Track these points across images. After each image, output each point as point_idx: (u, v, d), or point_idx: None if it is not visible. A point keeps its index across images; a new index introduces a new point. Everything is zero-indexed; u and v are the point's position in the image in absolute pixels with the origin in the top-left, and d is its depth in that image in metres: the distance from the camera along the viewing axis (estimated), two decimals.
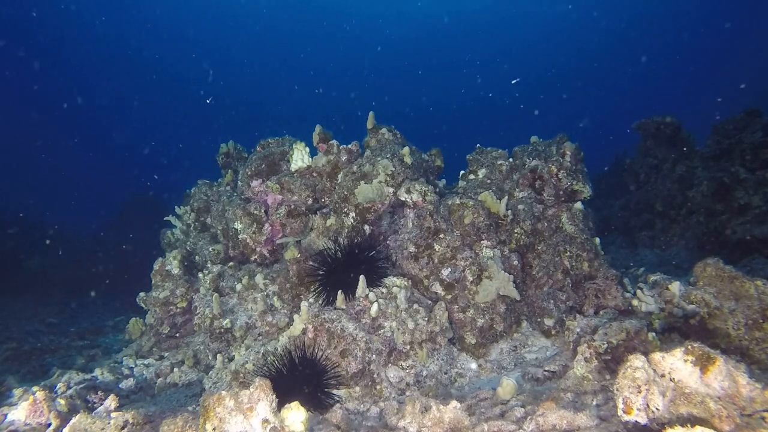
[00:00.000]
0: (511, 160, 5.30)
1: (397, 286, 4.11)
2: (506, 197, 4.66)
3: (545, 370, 3.67)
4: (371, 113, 5.51)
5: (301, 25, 48.59)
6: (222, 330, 4.81)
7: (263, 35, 49.26)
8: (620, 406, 2.11)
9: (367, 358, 3.71)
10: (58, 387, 4.40)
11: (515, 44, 50.10)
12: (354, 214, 4.74)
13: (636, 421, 2.06)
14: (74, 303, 10.58)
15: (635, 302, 4.14)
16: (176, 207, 6.76)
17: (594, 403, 2.71)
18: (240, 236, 5.35)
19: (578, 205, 4.81)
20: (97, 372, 4.95)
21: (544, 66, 50.17)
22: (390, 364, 3.85)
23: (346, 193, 4.80)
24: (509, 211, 4.62)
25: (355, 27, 49.21)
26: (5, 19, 36.99)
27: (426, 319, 3.99)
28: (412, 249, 4.40)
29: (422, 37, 49.22)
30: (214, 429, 2.07)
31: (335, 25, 48.62)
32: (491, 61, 51.41)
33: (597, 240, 4.73)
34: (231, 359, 4.57)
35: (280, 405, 2.20)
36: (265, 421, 2.10)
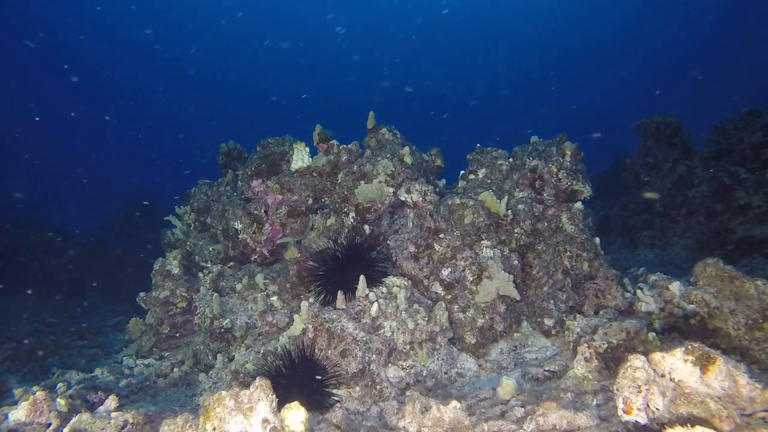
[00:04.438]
0: (511, 160, 5.30)
1: (397, 286, 4.11)
2: (506, 197, 4.66)
3: (545, 370, 3.67)
4: (371, 113, 5.51)
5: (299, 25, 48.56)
6: (222, 330, 4.81)
7: (263, 34, 49.28)
8: (620, 406, 2.10)
9: (367, 358, 3.71)
10: (58, 387, 4.39)
11: (516, 43, 50.12)
12: (354, 214, 4.74)
13: (636, 421, 2.06)
14: (74, 303, 10.58)
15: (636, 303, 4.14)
16: (176, 207, 6.76)
17: (594, 403, 2.71)
18: (240, 236, 5.35)
19: (578, 205, 4.81)
20: (97, 372, 4.95)
21: (544, 66, 50.20)
22: (390, 364, 3.84)
23: (346, 192, 4.80)
24: (509, 211, 4.62)
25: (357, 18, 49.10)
26: (7, 17, 37.06)
27: (426, 319, 3.99)
28: (412, 249, 4.40)
29: (420, 29, 49.18)
30: (214, 429, 2.07)
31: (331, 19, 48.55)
32: (489, 59, 51.48)
33: (597, 240, 4.73)
34: (231, 359, 4.57)
35: (280, 405, 2.20)
36: (265, 421, 2.10)
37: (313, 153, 5.52)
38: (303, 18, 47.72)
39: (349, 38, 50.04)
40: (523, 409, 2.77)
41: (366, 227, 4.70)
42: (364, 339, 3.74)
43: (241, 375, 4.12)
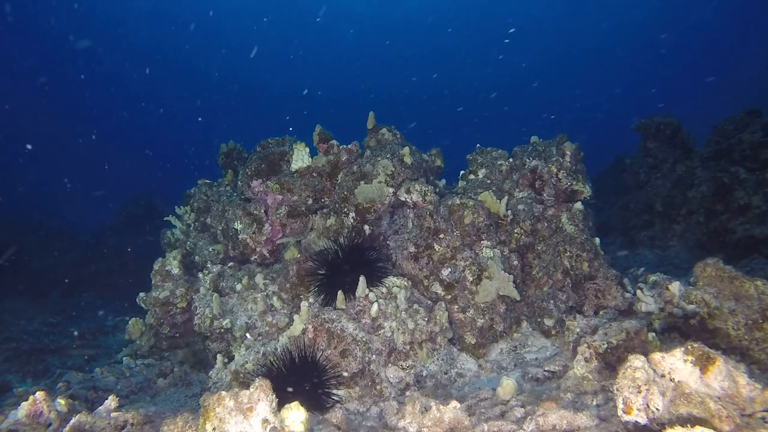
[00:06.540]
0: (511, 160, 5.30)
1: (397, 286, 4.11)
2: (506, 197, 4.66)
3: (545, 370, 3.67)
4: (371, 113, 5.51)
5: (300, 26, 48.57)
6: (222, 330, 4.81)
7: (265, 34, 49.26)
8: (620, 406, 2.11)
9: (366, 358, 3.71)
10: (58, 387, 4.40)
11: (515, 42, 50.11)
12: (354, 214, 4.74)
13: (636, 421, 2.06)
14: (73, 303, 10.58)
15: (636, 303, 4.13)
16: (176, 207, 6.76)
17: (594, 403, 2.71)
18: (240, 236, 5.35)
19: (578, 205, 4.81)
20: (97, 372, 4.95)
21: (544, 64, 50.18)
22: (390, 364, 3.85)
23: (346, 193, 4.80)
24: (509, 211, 4.62)
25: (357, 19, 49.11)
26: (5, 16, 37.06)
27: (426, 319, 3.99)
28: (412, 249, 4.40)
29: (416, 29, 49.11)
30: (214, 429, 2.07)
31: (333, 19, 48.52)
32: (487, 59, 51.42)
33: (597, 240, 4.73)
34: (231, 359, 4.57)
35: (280, 405, 2.20)
36: (265, 421, 2.10)
37: (313, 153, 5.52)
38: (304, 17, 47.78)
39: (354, 36, 50.05)
40: (523, 409, 2.77)
41: (366, 227, 4.70)
42: (364, 339, 3.74)
43: (241, 375, 4.12)
